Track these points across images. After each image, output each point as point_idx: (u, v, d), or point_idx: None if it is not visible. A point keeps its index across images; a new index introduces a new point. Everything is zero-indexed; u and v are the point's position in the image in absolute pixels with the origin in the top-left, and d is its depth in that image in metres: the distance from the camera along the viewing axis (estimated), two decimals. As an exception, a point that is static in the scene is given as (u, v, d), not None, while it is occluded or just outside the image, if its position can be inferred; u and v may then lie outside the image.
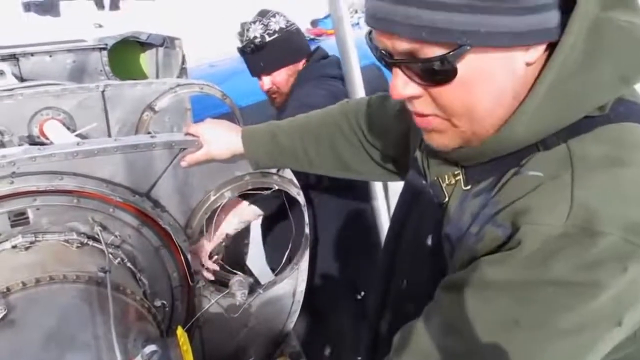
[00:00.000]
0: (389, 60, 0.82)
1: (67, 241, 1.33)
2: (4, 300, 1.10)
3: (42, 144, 1.82)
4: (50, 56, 2.37)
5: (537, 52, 0.75)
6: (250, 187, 1.55)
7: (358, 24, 8.58)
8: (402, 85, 0.82)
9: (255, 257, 2.36)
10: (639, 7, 0.77)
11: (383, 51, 0.83)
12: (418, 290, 0.97)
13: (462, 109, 0.80)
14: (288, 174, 1.60)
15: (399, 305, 1.07)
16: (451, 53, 0.73)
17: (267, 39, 2.13)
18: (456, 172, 0.92)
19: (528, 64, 0.77)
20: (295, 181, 1.63)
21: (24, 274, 1.18)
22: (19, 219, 1.30)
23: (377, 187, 2.07)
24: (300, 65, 2.23)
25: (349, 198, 2.20)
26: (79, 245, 1.33)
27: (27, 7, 13.38)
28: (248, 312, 1.71)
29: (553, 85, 0.74)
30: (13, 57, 2.28)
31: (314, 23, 8.08)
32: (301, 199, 1.64)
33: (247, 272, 2.03)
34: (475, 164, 0.88)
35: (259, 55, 2.15)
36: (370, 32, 0.87)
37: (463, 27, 0.71)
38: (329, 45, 2.47)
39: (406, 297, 1.04)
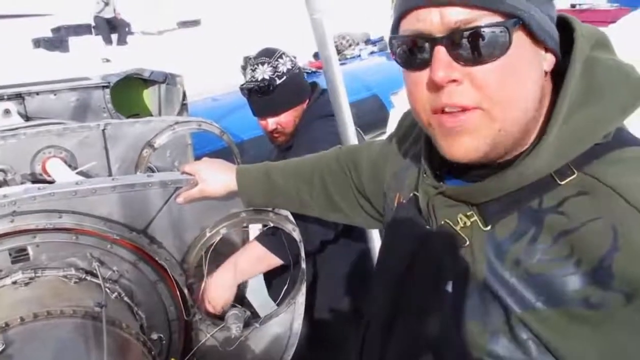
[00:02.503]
0: (434, 37, 0.79)
1: (65, 277, 1.37)
2: (2, 335, 1.13)
3: (45, 181, 1.87)
4: (55, 95, 2.44)
5: (551, 61, 0.81)
6: (245, 225, 1.59)
7: (359, 55, 8.72)
8: (446, 66, 0.78)
9: (254, 290, 2.37)
10: (613, 48, 0.86)
11: (417, 36, 0.81)
12: (430, 335, 0.95)
13: (506, 92, 0.79)
14: (284, 210, 1.64)
15: (406, 347, 1.03)
16: (510, 21, 0.75)
17: (277, 81, 2.11)
18: (469, 214, 0.88)
19: (545, 73, 0.82)
20: (291, 218, 1.66)
21: (22, 309, 1.22)
22: (19, 255, 1.35)
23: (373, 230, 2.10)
24: (305, 104, 2.22)
25: (347, 236, 2.23)
26: (77, 280, 1.37)
27: (37, 44, 13.66)
28: (244, 345, 1.73)
29: (567, 117, 0.78)
30: (19, 96, 2.35)
31: (317, 56, 8.21)
32: (297, 235, 1.68)
33: (245, 305, 2.05)
34: (487, 201, 0.86)
35: (268, 97, 2.13)
36: (394, 33, 0.88)
37: (520, 5, 0.76)
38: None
39: (415, 340, 0.99)
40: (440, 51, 0.78)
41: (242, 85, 2.18)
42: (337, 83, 1.74)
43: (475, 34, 0.76)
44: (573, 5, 10.56)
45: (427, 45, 0.80)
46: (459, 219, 0.89)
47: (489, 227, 0.85)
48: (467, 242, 0.87)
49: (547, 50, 0.81)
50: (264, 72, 2.11)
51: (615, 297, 0.73)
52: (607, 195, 0.75)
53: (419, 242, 0.97)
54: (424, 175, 0.98)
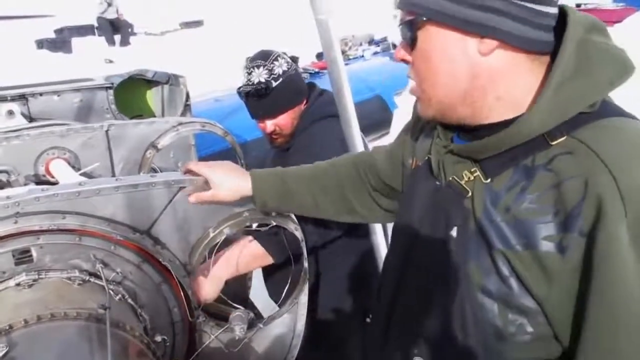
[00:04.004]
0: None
1: (69, 278, 1.37)
2: (5, 338, 1.13)
3: (48, 182, 1.87)
4: (58, 95, 2.44)
5: (489, 45, 0.95)
6: (248, 224, 1.58)
7: (363, 56, 8.72)
8: (398, 50, 1.07)
9: (257, 291, 2.37)
10: (609, 34, 1.01)
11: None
12: (436, 280, 1.10)
13: (426, 74, 1.03)
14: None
15: (416, 294, 1.17)
16: (412, 19, 1.00)
17: (273, 84, 2.10)
18: (473, 170, 1.04)
19: (482, 54, 0.96)
20: (293, 217, 1.66)
21: (26, 311, 1.22)
22: (22, 257, 1.34)
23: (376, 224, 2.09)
24: (303, 105, 2.22)
25: (350, 233, 2.22)
26: (80, 282, 1.37)
27: (40, 45, 13.69)
28: (248, 346, 1.73)
29: (558, 86, 0.92)
30: (22, 97, 2.35)
31: (320, 56, 8.19)
32: (299, 234, 1.67)
33: (248, 306, 2.05)
34: (488, 158, 1.01)
35: (264, 100, 2.12)
36: None
37: (426, 4, 0.97)
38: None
39: (423, 286, 1.14)
40: (400, 40, 1.07)
41: (239, 88, 2.18)
42: (342, 84, 1.73)
43: (400, 29, 1.04)
44: (578, 5, 10.52)
45: None
46: (464, 175, 1.05)
47: (488, 180, 1.01)
48: (470, 194, 1.03)
49: (481, 37, 0.95)
50: (259, 75, 2.11)
51: (580, 240, 0.88)
52: (586, 155, 0.89)
53: (430, 195, 1.14)
54: (438, 138, 1.16)
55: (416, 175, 1.24)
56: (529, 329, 0.96)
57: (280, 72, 2.12)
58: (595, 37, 0.96)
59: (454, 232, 1.05)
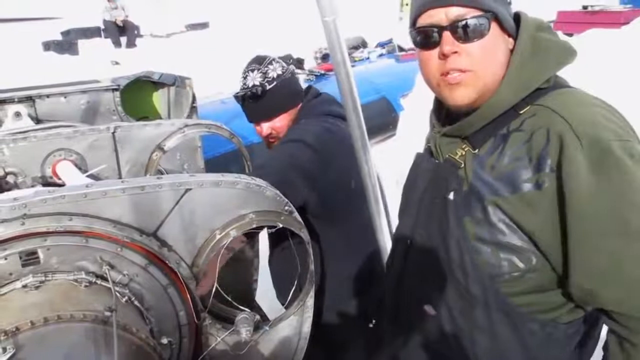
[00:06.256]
0: (442, 26, 1.22)
1: (76, 280, 1.36)
2: (12, 340, 1.13)
3: (55, 184, 1.87)
4: (65, 97, 2.44)
5: (512, 43, 1.27)
6: (254, 226, 1.58)
7: (368, 58, 8.70)
8: (450, 43, 1.22)
9: (263, 293, 2.37)
10: (555, 32, 1.31)
11: (431, 27, 1.24)
12: (438, 236, 1.34)
13: (487, 61, 1.23)
14: (291, 210, 1.62)
15: (422, 252, 1.42)
16: (483, 15, 1.20)
17: (267, 87, 2.16)
18: (464, 146, 1.32)
19: (509, 50, 1.26)
20: (299, 218, 1.65)
21: (33, 313, 1.21)
22: (29, 258, 1.34)
23: (382, 222, 2.08)
24: (299, 108, 2.26)
25: (352, 231, 2.22)
26: (87, 284, 1.36)
27: (47, 47, 13.73)
28: (254, 349, 1.72)
29: (518, 68, 1.23)
30: (29, 99, 2.36)
31: (325, 58, 8.17)
32: (305, 235, 1.66)
33: (254, 309, 2.04)
34: (473, 133, 1.30)
35: (259, 103, 2.18)
36: (413, 26, 1.30)
37: (496, 6, 1.21)
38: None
39: (428, 245, 1.39)
40: (447, 34, 1.22)
41: (236, 93, 2.22)
42: (349, 86, 1.73)
43: (467, 23, 1.20)
44: (585, 7, 10.36)
45: (437, 31, 1.24)
46: (457, 151, 1.33)
47: (476, 151, 1.29)
48: (462, 165, 1.31)
49: (509, 36, 1.27)
50: (254, 79, 2.17)
51: (551, 175, 1.13)
52: (546, 112, 1.19)
53: (431, 171, 1.42)
54: (434, 128, 1.44)
55: (417, 159, 1.54)
56: (520, 264, 1.20)
57: (275, 76, 2.18)
58: (542, 33, 1.26)
59: (451, 196, 1.32)
